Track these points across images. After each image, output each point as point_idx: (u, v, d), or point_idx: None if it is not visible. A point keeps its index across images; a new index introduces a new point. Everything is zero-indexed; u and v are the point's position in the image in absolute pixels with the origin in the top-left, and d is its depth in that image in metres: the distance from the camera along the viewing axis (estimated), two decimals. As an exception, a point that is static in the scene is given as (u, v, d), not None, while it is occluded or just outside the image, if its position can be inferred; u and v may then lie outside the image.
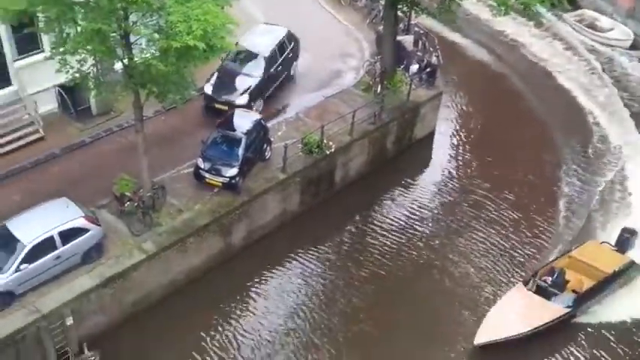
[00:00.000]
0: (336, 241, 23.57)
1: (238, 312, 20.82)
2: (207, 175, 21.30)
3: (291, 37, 26.78)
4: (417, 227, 24.32)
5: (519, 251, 23.53)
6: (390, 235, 23.86)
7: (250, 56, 25.40)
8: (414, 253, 23.26)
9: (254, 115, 23.17)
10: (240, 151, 21.40)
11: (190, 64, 17.62)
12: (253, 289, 21.54)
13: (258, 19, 28.71)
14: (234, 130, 21.99)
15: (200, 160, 21.35)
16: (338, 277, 22.28)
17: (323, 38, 29.59)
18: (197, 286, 20.85)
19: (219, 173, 21.20)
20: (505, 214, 24.87)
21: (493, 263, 22.99)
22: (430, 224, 24.69)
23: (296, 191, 23.44)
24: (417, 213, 24.93)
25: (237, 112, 22.99)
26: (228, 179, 21.20)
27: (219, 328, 20.22)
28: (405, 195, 25.76)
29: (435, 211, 25.26)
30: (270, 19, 28.10)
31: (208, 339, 19.83)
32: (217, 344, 19.76)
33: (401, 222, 24.46)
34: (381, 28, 28.51)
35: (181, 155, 22.40)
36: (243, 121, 22.30)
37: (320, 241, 23.31)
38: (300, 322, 20.73)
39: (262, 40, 25.84)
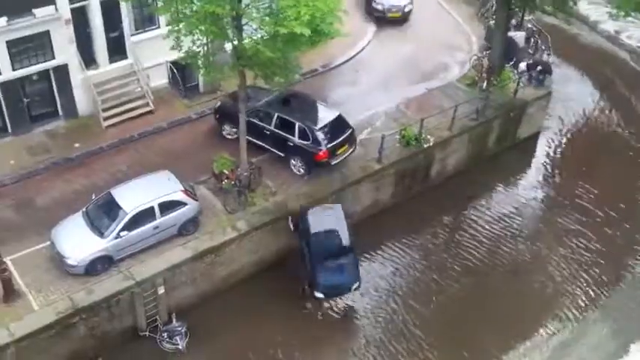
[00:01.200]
0: (430, 234, 23.25)
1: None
2: None
3: None
4: (515, 226, 23.60)
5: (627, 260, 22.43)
6: (486, 232, 23.32)
7: None
8: (511, 252, 22.66)
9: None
10: None
11: (296, 50, 17.78)
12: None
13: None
14: None
15: None
16: (431, 268, 22.00)
17: (431, 29, 29.11)
18: (284, 267, 21.06)
19: None
20: (614, 224, 23.65)
21: (589, 270, 22.09)
22: (530, 225, 23.90)
23: (390, 182, 23.22)
24: (517, 212, 24.17)
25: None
26: None
27: (305, 310, 20.37)
28: (505, 194, 25.04)
29: (536, 213, 24.45)
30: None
31: (292, 320, 20.03)
32: (301, 326, 19.93)
33: (499, 220, 23.80)
34: (492, 22, 27.62)
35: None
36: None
37: (412, 232, 23.05)
38: (390, 310, 20.63)
39: None
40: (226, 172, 20.42)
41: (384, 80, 26.52)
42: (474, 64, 26.76)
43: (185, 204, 19.05)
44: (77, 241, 17.88)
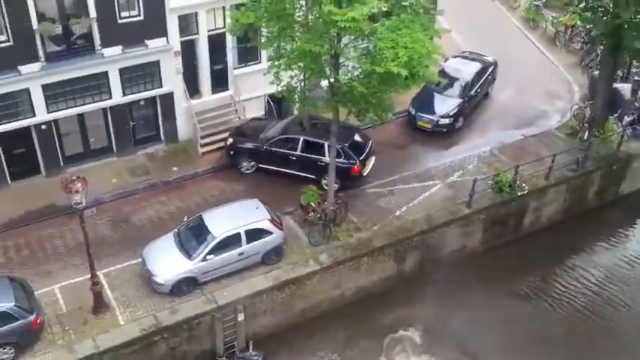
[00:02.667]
0: (519, 285, 22.38)
1: (408, 340, 20.43)
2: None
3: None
4: (616, 289, 22.34)
5: None
6: (582, 290, 22.25)
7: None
8: (612, 316, 21.39)
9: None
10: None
11: (391, 89, 17.93)
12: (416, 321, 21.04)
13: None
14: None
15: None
16: (511, 322, 21.02)
17: (531, 76, 28.60)
18: (364, 305, 20.89)
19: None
20: None
21: None
22: (634, 289, 22.47)
23: (479, 229, 22.69)
24: (618, 273, 22.90)
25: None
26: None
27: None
28: (605, 250, 23.84)
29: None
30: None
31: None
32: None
33: (598, 279, 22.64)
34: (596, 72, 26.73)
35: (368, 176, 22.78)
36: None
37: (499, 281, 22.27)
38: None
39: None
40: (313, 204, 20.65)
41: (480, 123, 26.17)
42: (575, 114, 25.95)
43: (271, 233, 19.37)
44: (166, 260, 18.53)
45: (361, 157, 22.08)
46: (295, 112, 23.89)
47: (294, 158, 22.23)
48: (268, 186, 22.09)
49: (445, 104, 25.31)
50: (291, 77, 18.99)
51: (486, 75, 26.88)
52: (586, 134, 24.55)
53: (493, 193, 22.50)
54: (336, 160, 21.09)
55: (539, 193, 23.31)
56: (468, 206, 22.12)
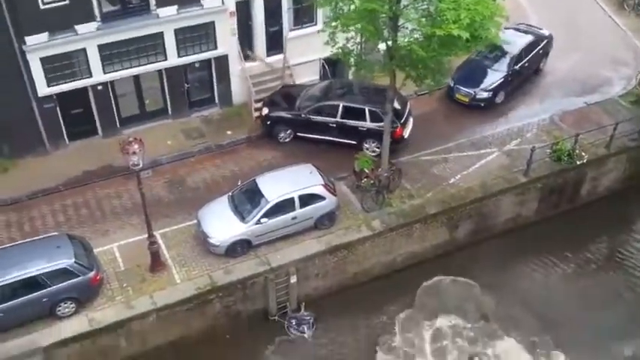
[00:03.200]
0: (576, 256, 21.93)
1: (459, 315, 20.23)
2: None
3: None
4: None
5: None
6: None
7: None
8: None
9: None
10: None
11: (451, 53, 17.48)
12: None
13: (529, 17, 27.66)
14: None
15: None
16: (567, 294, 20.78)
17: (597, 41, 27.49)
18: (413, 271, 20.87)
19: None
20: None
21: None
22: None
23: (535, 198, 22.21)
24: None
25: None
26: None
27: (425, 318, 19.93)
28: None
29: None
30: (545, 18, 27.09)
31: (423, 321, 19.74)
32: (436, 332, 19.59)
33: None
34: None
35: (423, 143, 22.46)
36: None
37: (555, 253, 21.91)
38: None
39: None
40: (367, 170, 20.49)
41: (541, 90, 25.39)
42: (640, 81, 24.94)
43: (324, 198, 19.34)
44: (221, 223, 18.72)
45: (402, 121, 21.76)
46: (350, 76, 23.63)
47: (334, 125, 22.01)
48: (326, 149, 21.96)
49: (486, 78, 24.15)
50: (347, 39, 18.62)
51: (537, 49, 25.36)
52: (651, 102, 23.63)
53: (551, 162, 21.95)
54: (377, 124, 20.80)
55: (599, 163, 22.67)
56: (524, 175, 21.64)
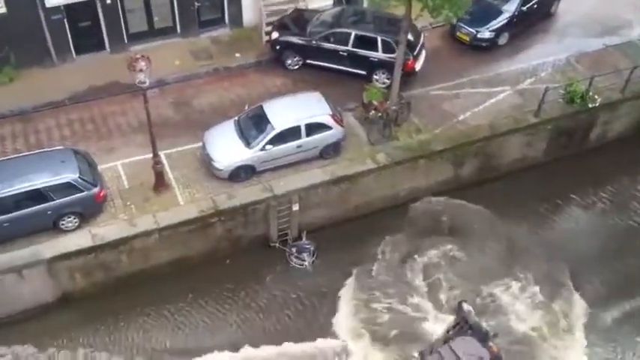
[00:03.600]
0: (582, 198, 21.91)
1: (456, 242, 20.33)
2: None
3: None
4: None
5: None
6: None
7: None
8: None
9: None
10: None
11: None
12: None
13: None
14: None
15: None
16: (574, 236, 20.90)
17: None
18: (415, 206, 20.91)
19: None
20: None
21: None
22: None
23: (544, 139, 21.98)
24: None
25: None
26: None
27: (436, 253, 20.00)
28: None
29: None
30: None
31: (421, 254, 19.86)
32: (433, 267, 19.66)
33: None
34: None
35: (435, 77, 22.07)
36: None
37: (561, 196, 21.85)
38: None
39: None
40: (375, 102, 20.22)
41: (559, 29, 24.72)
42: (663, 24, 24.18)
43: (330, 128, 19.18)
44: (226, 147, 18.67)
45: (414, 53, 21.28)
46: (365, 4, 22.96)
47: (345, 54, 21.53)
48: (337, 78, 21.61)
49: (490, 17, 23.35)
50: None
51: None
52: (672, 46, 23.00)
53: (563, 104, 21.59)
54: (389, 55, 20.33)
55: (612, 107, 22.28)
56: (535, 115, 21.34)
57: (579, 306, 19.02)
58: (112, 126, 20.21)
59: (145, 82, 16.21)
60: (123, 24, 21.88)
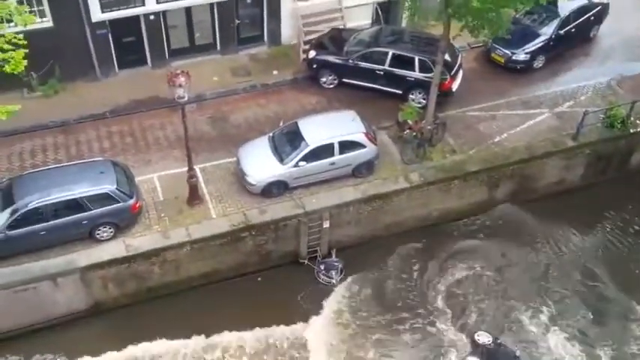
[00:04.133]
0: (616, 225, 21.40)
1: (488, 265, 20.17)
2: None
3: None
4: None
5: None
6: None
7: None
8: None
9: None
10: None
11: (509, 4, 16.87)
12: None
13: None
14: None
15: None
16: (604, 262, 20.41)
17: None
18: (449, 226, 20.78)
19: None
20: None
21: None
22: None
23: (582, 163, 21.62)
24: None
25: None
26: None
27: (465, 272, 19.83)
28: None
29: None
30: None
31: (449, 277, 19.72)
32: (460, 290, 19.52)
33: None
34: None
35: (471, 98, 21.97)
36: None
37: (598, 220, 21.44)
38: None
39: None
40: (410, 122, 20.20)
41: (601, 52, 24.38)
42: None
43: (364, 146, 19.21)
44: (259, 162, 18.84)
45: (452, 73, 21.22)
46: (404, 24, 23.02)
47: (381, 73, 21.59)
48: (371, 97, 21.70)
49: (526, 40, 23.06)
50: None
51: (587, 15, 24.04)
52: None
53: (603, 128, 21.24)
54: (425, 75, 20.31)
55: (654, 133, 21.81)
56: (573, 139, 21.02)
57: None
58: (150, 139, 20.65)
59: (183, 97, 16.53)
60: (165, 40, 22.41)
